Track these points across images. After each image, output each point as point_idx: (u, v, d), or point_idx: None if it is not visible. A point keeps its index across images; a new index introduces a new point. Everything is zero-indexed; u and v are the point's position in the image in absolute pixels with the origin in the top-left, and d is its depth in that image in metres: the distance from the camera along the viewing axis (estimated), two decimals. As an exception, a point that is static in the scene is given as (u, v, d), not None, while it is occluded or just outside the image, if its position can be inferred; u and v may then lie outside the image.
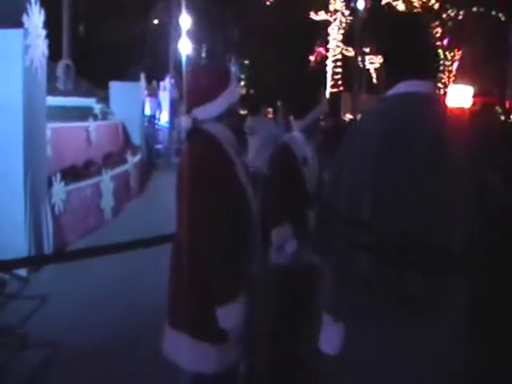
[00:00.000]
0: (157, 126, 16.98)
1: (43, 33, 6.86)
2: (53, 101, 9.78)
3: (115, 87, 14.14)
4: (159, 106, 18.15)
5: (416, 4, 21.87)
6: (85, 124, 10.23)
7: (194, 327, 2.62)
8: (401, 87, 2.19)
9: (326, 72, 25.22)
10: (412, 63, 2.19)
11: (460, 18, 20.05)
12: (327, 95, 24.39)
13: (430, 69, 2.23)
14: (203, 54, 34.15)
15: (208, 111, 2.74)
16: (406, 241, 2.05)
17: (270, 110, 12.00)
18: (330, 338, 2.21)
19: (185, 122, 2.89)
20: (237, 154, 2.81)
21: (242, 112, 11.08)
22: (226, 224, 2.56)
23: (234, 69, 37.72)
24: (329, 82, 24.86)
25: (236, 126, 3.16)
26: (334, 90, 24.41)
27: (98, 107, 12.38)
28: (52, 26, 7.40)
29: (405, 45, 2.25)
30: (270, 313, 3.84)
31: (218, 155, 2.68)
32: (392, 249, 2.07)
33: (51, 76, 11.57)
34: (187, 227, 2.61)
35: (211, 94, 2.74)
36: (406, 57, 2.22)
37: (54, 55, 13.41)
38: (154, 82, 19.34)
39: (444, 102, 2.33)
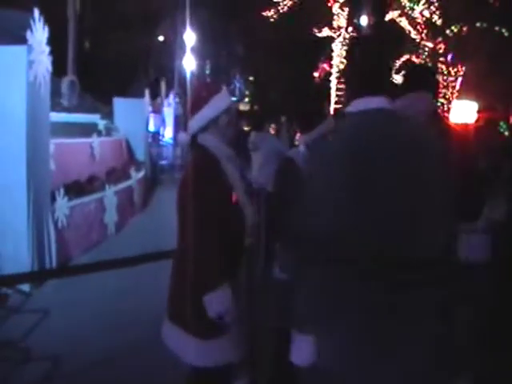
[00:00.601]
0: (161, 142, 17.04)
1: (47, 49, 6.92)
2: (57, 117, 9.84)
3: (119, 103, 14.23)
4: (163, 122, 18.24)
5: (419, 20, 21.95)
6: (89, 140, 10.28)
7: (193, 322, 2.74)
8: (356, 104, 2.27)
9: (330, 88, 25.27)
10: (364, 80, 2.28)
11: (463, 33, 20.12)
12: (331, 111, 24.46)
13: (381, 84, 2.28)
14: (207, 71, 34.36)
15: (196, 122, 2.89)
16: (376, 254, 2.07)
17: (274, 126, 12.01)
18: (301, 350, 2.26)
19: (182, 136, 2.98)
20: (234, 166, 2.90)
21: (246, 128, 11.11)
22: (219, 227, 2.71)
23: (238, 85, 37.92)
24: (333, 99, 24.91)
25: (239, 142, 3.26)
26: (338, 106, 24.44)
27: (102, 123, 12.44)
28: (57, 42, 7.48)
29: (355, 63, 2.36)
30: (272, 328, 3.86)
31: (208, 167, 2.81)
32: (363, 262, 2.09)
33: (56, 92, 11.66)
34: (184, 230, 2.81)
35: (197, 106, 2.90)
36: (358, 74, 2.32)
37: (58, 71, 13.51)
38: (159, 99, 19.45)
39: (398, 114, 2.36)
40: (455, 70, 19.40)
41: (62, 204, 7.41)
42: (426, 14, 21.71)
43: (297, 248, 2.26)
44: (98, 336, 5.19)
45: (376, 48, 2.39)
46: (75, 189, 8.31)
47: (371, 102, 2.24)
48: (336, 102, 24.63)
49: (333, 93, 25.01)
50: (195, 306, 2.70)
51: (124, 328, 5.40)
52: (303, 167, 4.10)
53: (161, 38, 29.91)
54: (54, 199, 7.22)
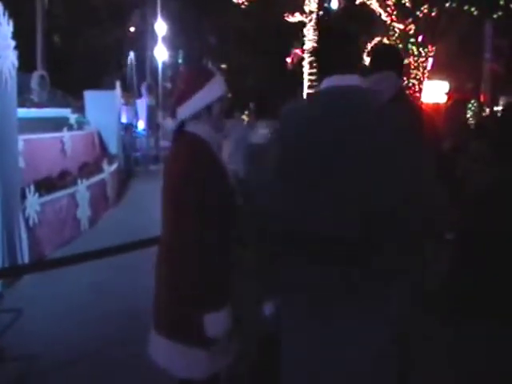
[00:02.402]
0: (134, 134, 16.91)
1: (12, 43, 6.81)
2: (27, 113, 9.73)
3: (90, 96, 14.08)
4: (136, 113, 18.10)
5: (389, 2, 21.95)
6: (59, 134, 10.16)
7: (181, 332, 2.61)
8: (327, 82, 2.28)
9: (303, 73, 25.25)
10: (334, 60, 2.29)
11: (433, 14, 20.13)
12: (305, 96, 24.46)
13: (348, 63, 2.28)
14: (180, 60, 34.15)
15: (187, 109, 2.71)
16: (325, 236, 2.08)
17: (246, 113, 11.98)
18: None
19: (169, 124, 2.86)
20: (219, 145, 2.79)
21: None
22: (214, 225, 2.55)
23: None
24: (306, 83, 24.90)
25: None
26: (311, 90, 24.44)
27: (73, 117, 12.32)
28: (26, 37, 7.40)
29: (324, 45, 2.37)
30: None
31: (203, 154, 2.64)
32: (311, 244, 2.11)
33: (26, 88, 11.53)
34: (175, 229, 2.57)
35: (189, 92, 2.71)
36: (329, 55, 2.32)
37: (28, 67, 13.36)
38: (136, 89, 19.31)
39: (374, 94, 2.38)
40: (425, 50, 19.44)
41: (33, 201, 7.33)
42: (396, -5, 21.73)
43: (253, 222, 2.30)
44: (72, 333, 5.16)
45: (344, 27, 2.40)
46: (46, 185, 8.21)
47: (341, 80, 2.25)
48: (309, 87, 24.62)
49: (305, 77, 24.98)
50: (186, 316, 2.59)
51: (99, 324, 5.39)
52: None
53: (132, 30, 29.65)
54: (24, 197, 7.13)
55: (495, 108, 20.96)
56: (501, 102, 22.53)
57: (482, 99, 21.70)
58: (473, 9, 20.12)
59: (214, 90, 2.70)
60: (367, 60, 3.55)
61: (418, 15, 20.15)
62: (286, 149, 2.19)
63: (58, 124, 10.71)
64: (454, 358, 4.41)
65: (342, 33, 2.34)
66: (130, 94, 19.36)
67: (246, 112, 12.15)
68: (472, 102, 18.57)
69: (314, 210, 2.09)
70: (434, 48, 19.67)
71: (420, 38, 19.75)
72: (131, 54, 21.74)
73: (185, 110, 2.71)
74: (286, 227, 2.14)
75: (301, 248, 2.13)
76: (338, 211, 2.07)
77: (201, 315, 2.52)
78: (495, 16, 20.43)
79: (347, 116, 2.13)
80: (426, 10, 20.14)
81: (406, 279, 2.20)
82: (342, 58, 2.28)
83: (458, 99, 8.09)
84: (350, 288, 2.08)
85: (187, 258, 2.50)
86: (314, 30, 24.48)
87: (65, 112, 12.41)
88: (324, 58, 2.35)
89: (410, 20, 19.90)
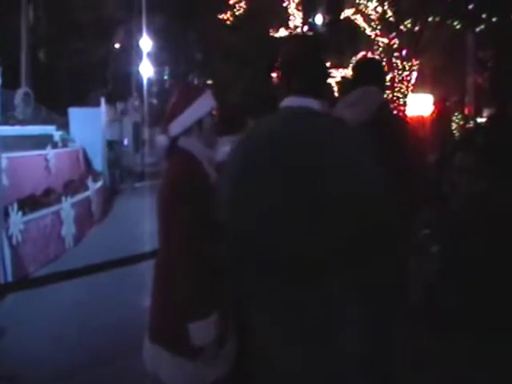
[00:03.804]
0: (119, 151, 16.86)
1: (-4, 60, 6.78)
2: (11, 130, 9.68)
3: (74, 113, 14.03)
4: (121, 130, 18.03)
5: (373, 17, 22.14)
6: (43, 152, 10.10)
7: (172, 342, 2.65)
8: (284, 102, 2.30)
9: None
10: (294, 81, 2.30)
11: (416, 28, 20.30)
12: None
13: (310, 87, 2.28)
14: (165, 76, 34.18)
15: (179, 124, 2.77)
16: (272, 250, 2.10)
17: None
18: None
19: (161, 140, 2.88)
20: (213, 169, 2.80)
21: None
22: (204, 237, 2.60)
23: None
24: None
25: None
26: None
27: (57, 134, 12.26)
28: (10, 53, 7.33)
29: (290, 65, 2.35)
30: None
31: (193, 171, 2.70)
32: (258, 257, 2.14)
33: (9, 105, 11.48)
34: (167, 242, 2.65)
35: (180, 108, 2.78)
36: (291, 75, 2.32)
37: (12, 84, 13.29)
38: (118, 106, 19.23)
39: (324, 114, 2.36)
40: (410, 64, 19.58)
41: (16, 220, 7.26)
42: (380, 10, 21.89)
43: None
44: (58, 351, 5.08)
45: (306, 47, 2.39)
46: (30, 203, 8.15)
47: (294, 101, 2.26)
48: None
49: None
50: (181, 328, 2.60)
51: (85, 341, 5.31)
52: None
53: (117, 46, 29.64)
54: (7, 215, 7.06)
55: (479, 120, 21.10)
56: (484, 114, 22.69)
57: (466, 112, 21.85)
58: (455, 22, 20.33)
59: (204, 104, 2.80)
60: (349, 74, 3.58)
61: (401, 29, 20.35)
62: (236, 166, 2.26)
63: (43, 141, 10.64)
64: (437, 368, 4.41)
65: (303, 56, 2.34)
66: (116, 110, 19.29)
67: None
68: (456, 114, 18.71)
69: (267, 222, 2.12)
70: (417, 62, 19.84)
71: (404, 52, 19.92)
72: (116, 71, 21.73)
73: (176, 126, 2.77)
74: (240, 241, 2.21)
75: (252, 262, 2.18)
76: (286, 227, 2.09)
77: (187, 324, 2.56)
78: (478, 29, 20.64)
79: (290, 135, 2.16)
80: (409, 24, 20.34)
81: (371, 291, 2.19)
82: (300, 80, 2.28)
83: (442, 112, 8.13)
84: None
85: (179, 270, 2.59)
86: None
87: (49, 129, 12.35)
88: (284, 79, 2.36)
89: (394, 34, 20.07)
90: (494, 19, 19.79)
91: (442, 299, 5.18)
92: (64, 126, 13.79)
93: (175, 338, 2.64)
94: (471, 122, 20.11)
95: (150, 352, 2.75)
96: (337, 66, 22.35)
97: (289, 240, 2.07)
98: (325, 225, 2.05)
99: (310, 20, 26.32)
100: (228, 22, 25.84)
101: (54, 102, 16.65)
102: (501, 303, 4.76)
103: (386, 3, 21.68)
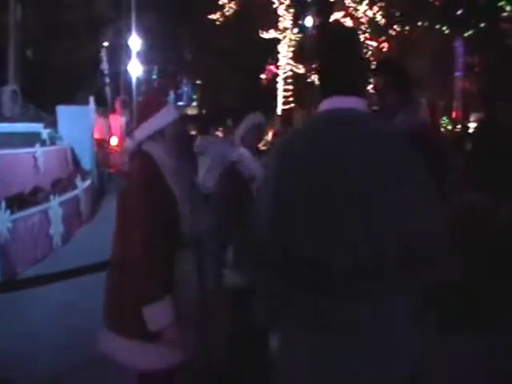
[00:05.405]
0: (107, 150, 16.75)
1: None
2: (-2, 127, 9.61)
3: (62, 112, 13.92)
4: (110, 129, 17.93)
5: (363, 20, 22.25)
6: (31, 150, 10.04)
7: (128, 326, 2.86)
8: (325, 104, 2.16)
9: (277, 89, 25.38)
10: (335, 79, 2.17)
11: (406, 32, 20.44)
12: (279, 112, 24.59)
13: (353, 84, 2.16)
14: (154, 76, 34.09)
15: (141, 131, 3.08)
16: (321, 265, 2.00)
17: (221, 129, 11.97)
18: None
19: (127, 144, 3.13)
20: (175, 178, 3.05)
21: (193, 132, 11.02)
22: (158, 228, 2.84)
23: (186, 89, 37.74)
24: (280, 99, 25.02)
25: (187, 146, 3.47)
26: (286, 106, 24.57)
27: (45, 132, 12.18)
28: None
29: (328, 61, 2.22)
30: (226, 329, 3.87)
31: (152, 168, 2.98)
32: (307, 272, 2.03)
33: (-4, 102, 11.41)
34: (124, 234, 2.94)
35: (144, 116, 3.10)
36: (330, 73, 2.20)
37: (0, 81, 13.18)
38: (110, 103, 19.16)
39: (373, 117, 2.26)
40: (399, 68, 19.71)
41: (4, 218, 7.20)
42: (370, 13, 22.01)
43: (252, 250, 2.19)
44: (48, 352, 5.03)
45: (347, 44, 2.24)
46: (18, 201, 8.09)
47: (339, 102, 2.13)
48: (284, 103, 24.74)
49: (280, 94, 25.11)
50: (136, 313, 2.80)
51: (75, 342, 5.26)
52: (245, 170, 4.12)
53: (106, 44, 29.50)
54: (-5, 213, 7.01)
55: (467, 124, 21.25)
56: (471, 119, 22.85)
57: (453, 116, 22.01)
58: (444, 27, 20.46)
59: (166, 115, 3.08)
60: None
61: (390, 33, 20.46)
62: (282, 178, 2.10)
63: (30, 139, 10.57)
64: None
65: (348, 50, 2.20)
66: (105, 109, 19.20)
67: (221, 128, 12.13)
68: (444, 118, 18.82)
69: (313, 238, 2.03)
70: (405, 66, 19.97)
71: (393, 56, 20.04)
72: (106, 69, 21.64)
73: (140, 132, 3.09)
74: (285, 257, 2.07)
75: (302, 277, 2.05)
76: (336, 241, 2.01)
77: (143, 308, 2.78)
78: (466, 34, 20.80)
79: (347, 142, 2.03)
80: (398, 29, 20.45)
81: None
82: (343, 77, 2.16)
83: (433, 117, 8.16)
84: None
85: (133, 256, 2.82)
86: (289, 46, 24.68)
87: (37, 127, 12.26)
88: (327, 76, 2.22)
89: (384, 38, 20.19)
90: (482, 25, 19.94)
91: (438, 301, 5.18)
92: (52, 124, 13.69)
93: (131, 323, 2.84)
94: (459, 127, 20.24)
95: (108, 339, 2.97)
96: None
97: (340, 253, 1.99)
98: (378, 239, 1.98)
99: (300, 22, 26.37)
100: (218, 23, 25.85)
101: (42, 101, 16.53)
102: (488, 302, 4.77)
103: (375, 7, 21.81)
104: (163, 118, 3.05)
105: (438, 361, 4.48)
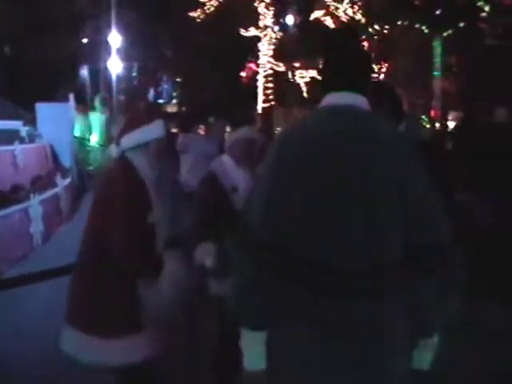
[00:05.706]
0: (88, 148, 16.63)
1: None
2: (-24, 124, 9.49)
3: (42, 109, 13.77)
4: (90, 126, 17.79)
5: (343, 19, 22.31)
6: (10, 147, 9.94)
7: (101, 324, 2.98)
8: (326, 100, 2.20)
9: (257, 87, 25.37)
10: (336, 75, 2.21)
11: (385, 31, 20.56)
12: (259, 110, 24.58)
13: (355, 80, 2.19)
14: (134, 73, 33.89)
15: (126, 140, 3.21)
16: (324, 265, 2.02)
17: (202, 126, 11.96)
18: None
19: (113, 150, 3.23)
20: (152, 185, 3.21)
21: (174, 130, 11.00)
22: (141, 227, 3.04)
23: (166, 86, 37.57)
24: (260, 97, 25.02)
25: (168, 144, 3.60)
26: (266, 104, 24.58)
27: (24, 130, 12.06)
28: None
29: (329, 58, 2.27)
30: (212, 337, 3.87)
31: (132, 178, 3.13)
32: (311, 273, 2.04)
33: (-26, 100, 11.27)
34: (103, 233, 3.14)
35: (131, 126, 3.23)
36: (330, 69, 2.25)
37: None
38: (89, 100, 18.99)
39: (374, 116, 2.26)
40: (378, 66, 19.82)
41: (-16, 216, 7.15)
42: (350, 12, 22.09)
43: (251, 250, 2.14)
44: (33, 356, 4.96)
45: (350, 41, 2.29)
46: (-2, 199, 8.02)
47: (338, 99, 2.16)
48: (264, 101, 24.74)
49: (260, 92, 25.11)
50: (105, 308, 2.96)
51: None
52: (226, 181, 4.01)
53: (85, 41, 29.27)
54: (-26, 212, 6.95)
55: (446, 123, 21.44)
56: (449, 117, 23.05)
57: (432, 115, 22.18)
58: (424, 27, 20.61)
59: (152, 130, 3.20)
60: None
61: (371, 32, 20.56)
62: (281, 178, 2.10)
63: (9, 136, 10.45)
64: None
65: (350, 47, 2.24)
66: (85, 106, 19.04)
67: (202, 126, 12.12)
68: (423, 117, 18.96)
69: (314, 239, 2.04)
70: (386, 65, 20.08)
71: (373, 55, 20.15)
72: (85, 66, 21.48)
73: (125, 141, 3.21)
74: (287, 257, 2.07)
75: (303, 279, 2.06)
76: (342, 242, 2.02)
77: (113, 303, 2.97)
78: (445, 34, 20.97)
79: (347, 142, 2.06)
80: (378, 28, 20.56)
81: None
82: (341, 73, 2.19)
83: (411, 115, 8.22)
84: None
85: (123, 247, 3.00)
86: (269, 44, 24.68)
87: (16, 124, 12.13)
88: (327, 73, 2.26)
89: (364, 37, 20.29)
90: (461, 24, 20.11)
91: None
92: (31, 121, 13.55)
93: (105, 320, 2.97)
94: (437, 125, 20.42)
95: (72, 338, 3.10)
96: (307, 67, 22.49)
97: (340, 253, 2.01)
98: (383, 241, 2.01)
99: (281, 20, 26.38)
100: (198, 20, 25.73)
101: (21, 98, 16.38)
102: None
103: (355, 6, 21.90)
104: (152, 131, 3.18)
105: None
